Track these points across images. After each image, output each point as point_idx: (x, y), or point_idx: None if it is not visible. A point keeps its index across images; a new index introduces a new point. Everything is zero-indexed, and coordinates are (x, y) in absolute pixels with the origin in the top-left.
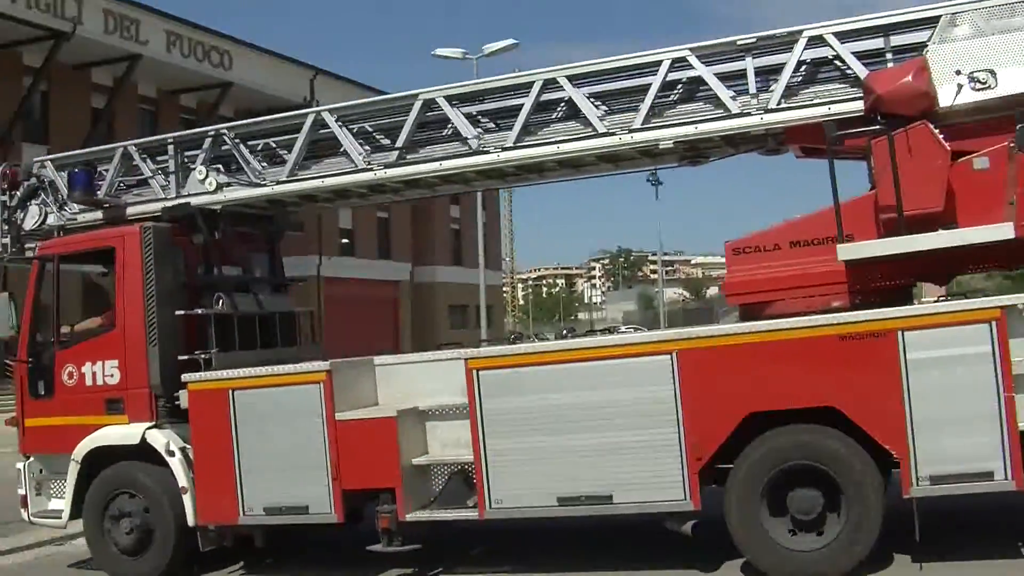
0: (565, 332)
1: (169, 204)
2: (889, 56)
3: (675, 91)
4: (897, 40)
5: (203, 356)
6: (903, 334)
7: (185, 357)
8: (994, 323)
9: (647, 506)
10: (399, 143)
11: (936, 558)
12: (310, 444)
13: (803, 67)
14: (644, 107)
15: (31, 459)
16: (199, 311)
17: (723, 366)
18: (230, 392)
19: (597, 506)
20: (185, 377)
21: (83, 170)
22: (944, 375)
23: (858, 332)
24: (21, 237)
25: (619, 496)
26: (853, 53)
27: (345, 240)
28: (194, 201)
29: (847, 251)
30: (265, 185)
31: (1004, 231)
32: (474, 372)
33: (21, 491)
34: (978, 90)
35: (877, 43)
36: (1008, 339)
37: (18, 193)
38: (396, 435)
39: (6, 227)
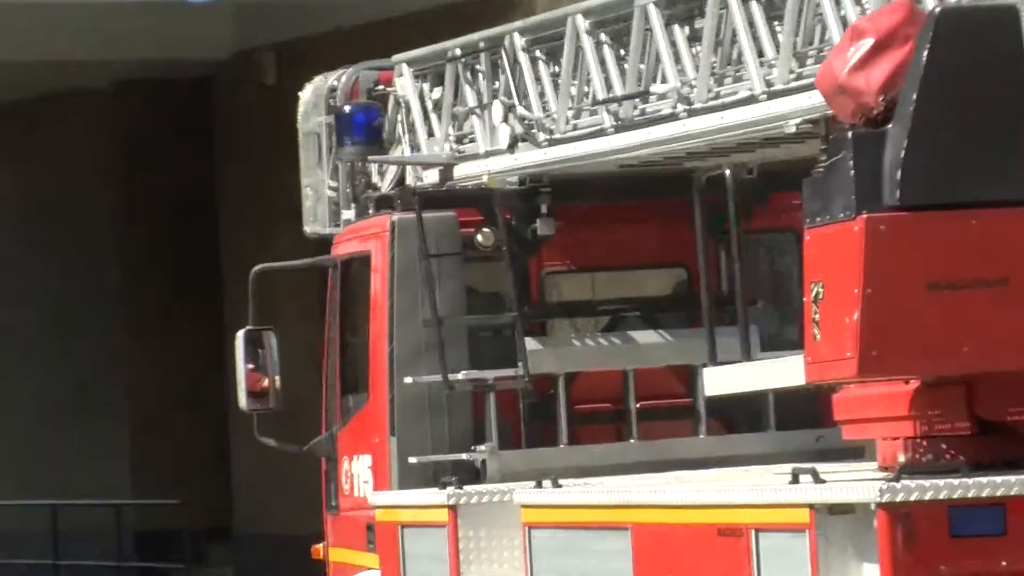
0: None
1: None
2: None
3: None
4: None
5: (479, 455)
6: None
7: (432, 458)
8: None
9: None
10: None
11: None
12: None
13: None
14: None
15: None
16: (456, 377)
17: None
18: (399, 529)
19: None
20: (371, 499)
21: (363, 107)
22: None
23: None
24: (375, 202)
25: None
26: None
27: None
28: (481, 166)
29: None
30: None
31: (796, 374)
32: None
33: None
34: None
35: None
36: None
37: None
38: None
39: (348, 188)
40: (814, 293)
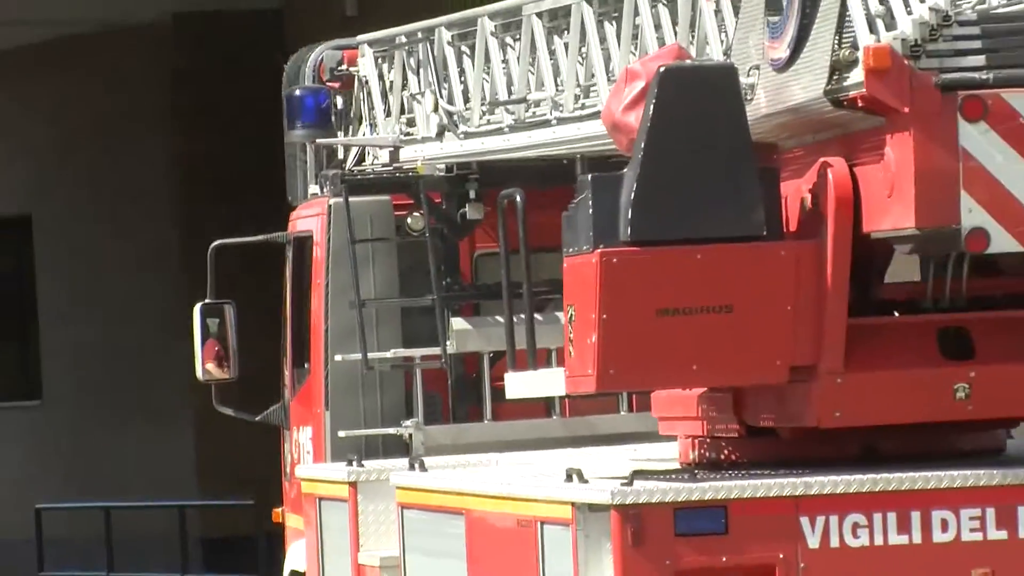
0: None
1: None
2: None
3: None
4: None
5: (406, 430)
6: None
7: (361, 432)
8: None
9: None
10: None
11: None
12: None
13: None
14: None
15: None
16: (377, 356)
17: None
18: (317, 501)
19: None
20: (297, 472)
21: (311, 91)
22: None
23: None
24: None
25: None
26: None
27: None
28: (418, 151)
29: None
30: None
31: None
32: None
33: None
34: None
35: None
36: None
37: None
38: None
39: (313, 164)
40: (569, 315)
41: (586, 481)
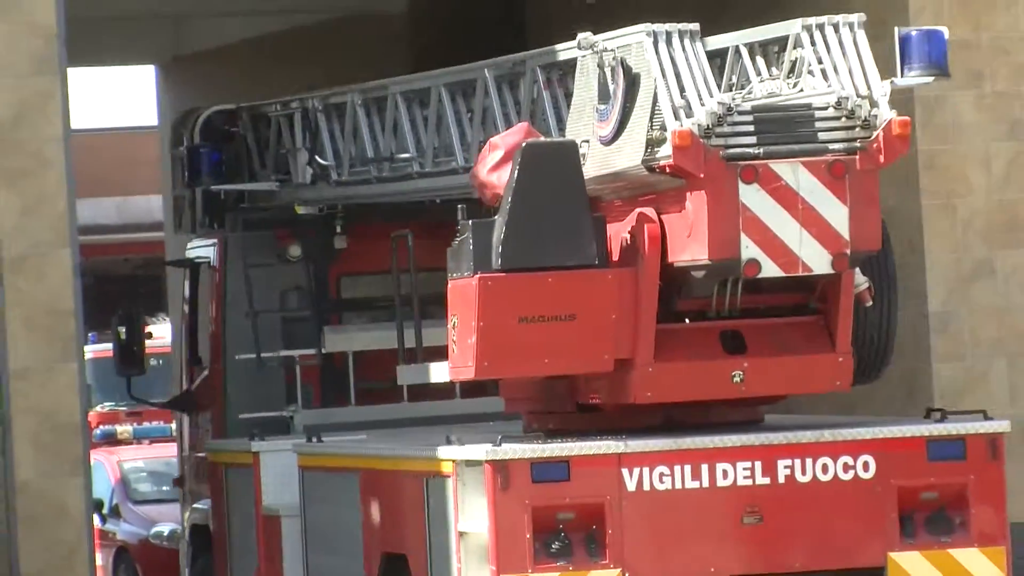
0: None
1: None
2: None
3: None
4: None
5: (289, 413)
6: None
7: (255, 415)
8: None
9: None
10: None
11: None
12: (250, 534)
13: None
14: None
15: None
16: (278, 354)
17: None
18: (223, 468)
19: None
20: (205, 446)
21: (208, 147)
22: None
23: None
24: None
25: None
26: None
27: None
28: (294, 195)
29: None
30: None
31: (440, 372)
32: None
33: None
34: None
35: None
36: None
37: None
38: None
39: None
40: (452, 323)
41: (463, 445)
